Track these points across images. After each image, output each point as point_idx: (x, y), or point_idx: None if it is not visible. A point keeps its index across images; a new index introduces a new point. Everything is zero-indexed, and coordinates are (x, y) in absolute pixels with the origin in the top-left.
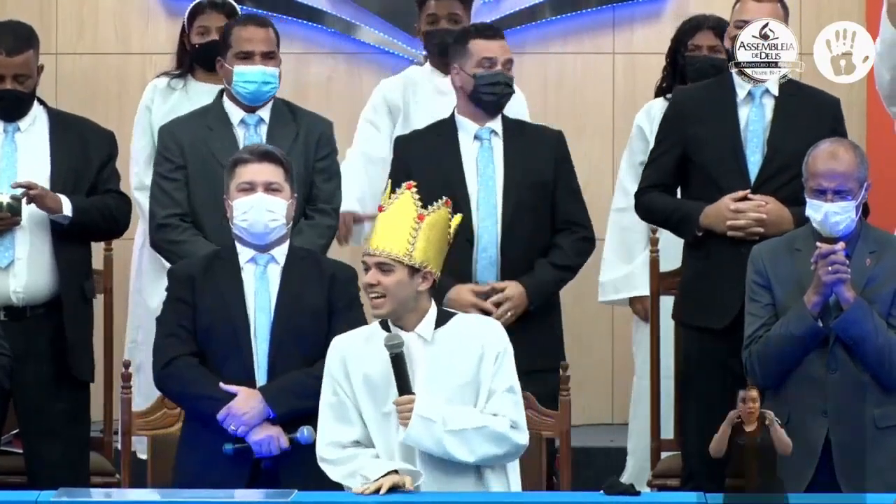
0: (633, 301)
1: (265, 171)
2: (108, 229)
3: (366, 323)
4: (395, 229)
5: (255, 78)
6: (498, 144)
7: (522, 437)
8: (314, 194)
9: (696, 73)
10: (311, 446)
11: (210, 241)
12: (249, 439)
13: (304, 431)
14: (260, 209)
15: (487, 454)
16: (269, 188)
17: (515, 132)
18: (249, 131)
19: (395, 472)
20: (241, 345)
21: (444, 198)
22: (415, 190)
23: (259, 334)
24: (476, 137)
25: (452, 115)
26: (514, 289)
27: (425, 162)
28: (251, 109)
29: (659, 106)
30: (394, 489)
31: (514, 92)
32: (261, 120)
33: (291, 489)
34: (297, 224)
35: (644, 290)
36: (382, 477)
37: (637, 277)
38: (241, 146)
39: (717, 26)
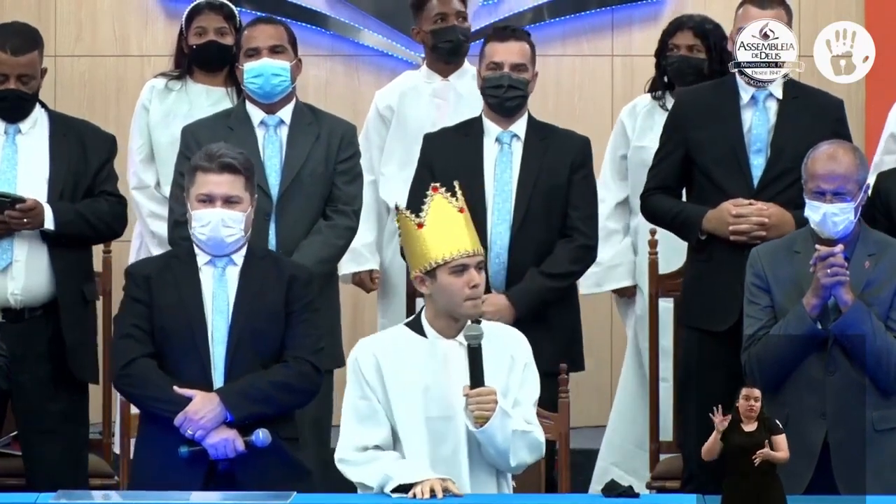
0: (617, 293)
1: (224, 183)
2: (100, 235)
3: (321, 324)
4: (472, 229)
5: (262, 71)
6: (518, 149)
7: (544, 450)
8: (335, 195)
9: (675, 73)
10: (267, 448)
11: None
12: (205, 442)
13: (259, 434)
14: (217, 225)
15: (524, 461)
16: (228, 201)
17: (538, 137)
18: (269, 132)
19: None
20: (199, 347)
21: (455, 185)
22: (444, 189)
23: (216, 337)
24: (497, 140)
25: (481, 115)
26: (493, 301)
27: (448, 161)
28: (271, 110)
29: (644, 103)
30: (445, 493)
31: (523, 93)
32: (281, 121)
33: (289, 492)
34: (317, 224)
35: (624, 280)
36: (426, 480)
37: (616, 269)
38: (261, 147)
39: (698, 27)
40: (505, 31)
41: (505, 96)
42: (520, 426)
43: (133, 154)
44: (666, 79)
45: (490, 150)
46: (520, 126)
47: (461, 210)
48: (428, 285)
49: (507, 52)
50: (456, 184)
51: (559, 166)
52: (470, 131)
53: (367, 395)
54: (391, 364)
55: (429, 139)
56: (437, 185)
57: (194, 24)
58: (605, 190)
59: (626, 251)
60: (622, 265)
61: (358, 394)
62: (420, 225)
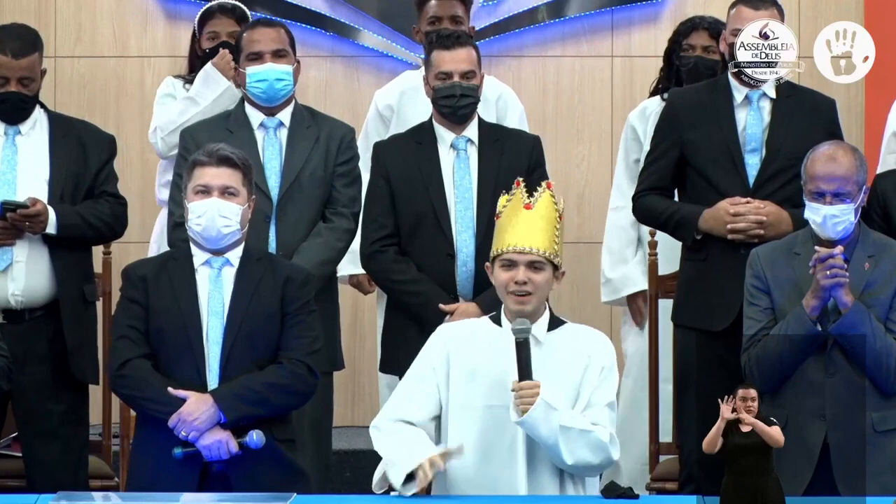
0: (629, 298)
1: (222, 175)
2: (101, 236)
3: (317, 326)
4: (541, 228)
5: (266, 76)
6: (473, 154)
7: (616, 453)
8: (334, 198)
9: (689, 74)
10: (261, 450)
11: None
12: (199, 444)
13: (253, 436)
14: (213, 215)
15: (584, 460)
16: (225, 192)
17: (491, 140)
18: (269, 134)
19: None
20: (193, 348)
21: (543, 184)
22: (554, 189)
23: (211, 337)
24: (452, 147)
25: (431, 120)
26: (463, 310)
27: (404, 169)
28: (271, 113)
29: (653, 106)
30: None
31: (474, 100)
32: (280, 123)
33: (288, 493)
34: (316, 227)
35: (639, 285)
36: (420, 465)
37: (632, 275)
38: (261, 149)
39: (712, 27)
40: (449, 38)
41: (458, 105)
42: (578, 424)
43: (164, 120)
44: (676, 79)
45: (446, 156)
46: (472, 130)
47: (527, 206)
48: (492, 275)
49: (455, 61)
50: (545, 184)
51: (516, 168)
52: (422, 138)
53: (426, 377)
54: (460, 349)
55: (380, 147)
56: (552, 182)
57: (206, 28)
58: (621, 197)
59: (642, 259)
60: (638, 271)
61: (418, 374)
62: (498, 215)
